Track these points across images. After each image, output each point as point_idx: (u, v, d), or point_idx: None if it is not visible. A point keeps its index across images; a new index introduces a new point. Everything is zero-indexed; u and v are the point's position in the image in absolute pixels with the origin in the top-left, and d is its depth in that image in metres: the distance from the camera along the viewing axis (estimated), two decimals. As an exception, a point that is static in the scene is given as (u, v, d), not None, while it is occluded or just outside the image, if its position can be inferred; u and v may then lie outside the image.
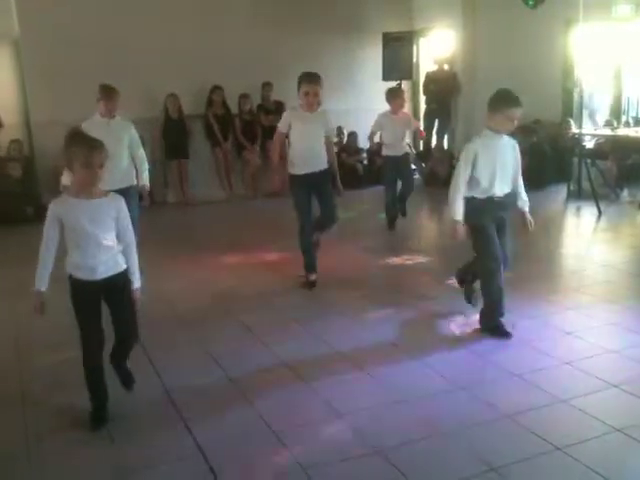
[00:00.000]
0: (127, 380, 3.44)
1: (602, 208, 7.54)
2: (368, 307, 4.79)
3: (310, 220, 5.13)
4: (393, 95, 7.14)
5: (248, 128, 9.61)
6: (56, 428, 3.23)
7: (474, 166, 4.03)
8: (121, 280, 3.18)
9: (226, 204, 9.25)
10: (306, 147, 5.01)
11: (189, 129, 9.38)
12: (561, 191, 8.57)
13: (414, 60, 10.49)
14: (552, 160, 9.15)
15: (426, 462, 2.83)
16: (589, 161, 8.20)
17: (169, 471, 2.84)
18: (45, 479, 2.84)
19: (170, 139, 9.23)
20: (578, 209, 7.98)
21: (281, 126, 5.11)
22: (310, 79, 4.97)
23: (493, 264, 4.10)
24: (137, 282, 3.25)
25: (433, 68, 10.30)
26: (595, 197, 7.66)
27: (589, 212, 7.66)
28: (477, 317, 4.30)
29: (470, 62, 9.88)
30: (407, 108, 10.93)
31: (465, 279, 4.59)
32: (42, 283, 3.08)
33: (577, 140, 8.43)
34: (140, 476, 2.82)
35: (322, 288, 5.24)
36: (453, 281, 4.75)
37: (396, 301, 4.89)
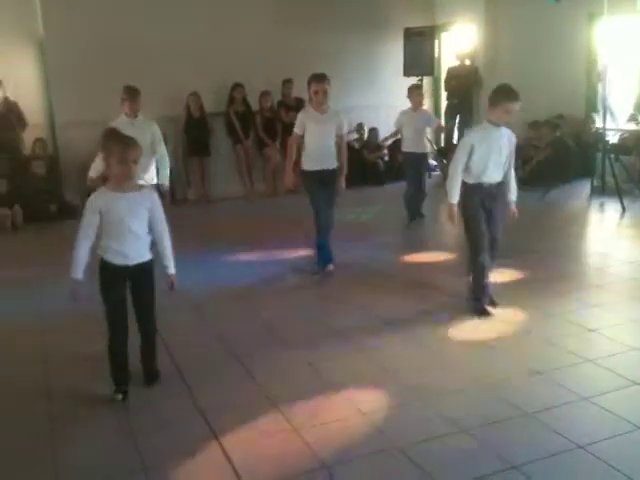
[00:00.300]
0: (151, 379, 3.62)
1: (626, 204, 7.44)
2: (386, 302, 4.79)
3: (325, 209, 5.37)
4: (412, 92, 7.33)
5: (269, 125, 9.62)
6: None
7: (470, 155, 4.31)
8: (148, 267, 3.44)
9: (246, 201, 9.28)
10: (318, 146, 5.31)
11: (211, 127, 9.43)
12: (585, 187, 8.48)
13: (435, 55, 10.41)
14: (576, 155, 9.05)
15: (447, 459, 2.83)
16: (613, 156, 8.09)
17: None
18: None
19: (192, 137, 9.28)
20: (602, 205, 7.89)
21: (297, 129, 5.39)
22: (318, 79, 5.28)
23: (480, 242, 4.40)
24: (172, 269, 3.51)
25: (455, 63, 10.22)
26: (619, 193, 7.57)
27: (613, 208, 7.56)
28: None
29: (492, 57, 9.80)
30: (428, 104, 10.96)
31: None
32: (79, 271, 3.30)
33: (600, 135, 8.33)
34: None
35: (341, 284, 5.27)
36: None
37: (416, 297, 4.89)
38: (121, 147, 3.26)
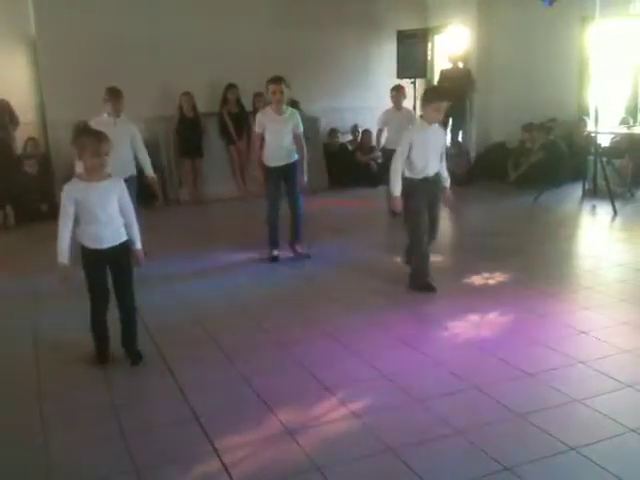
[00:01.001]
0: (135, 359, 3.89)
1: (617, 207, 7.49)
2: (380, 304, 4.80)
3: (277, 203, 5.97)
4: (393, 91, 7.75)
5: (262, 126, 9.61)
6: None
7: (410, 151, 4.78)
8: (124, 248, 3.79)
9: (239, 202, 9.26)
10: (277, 144, 5.82)
11: (204, 128, 9.40)
12: (576, 190, 8.52)
13: (428, 58, 10.43)
14: (568, 158, 9.09)
15: (440, 461, 2.83)
16: (604, 160, 8.14)
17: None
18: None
19: (184, 138, 9.25)
20: (593, 208, 7.92)
21: (257, 128, 5.87)
22: (275, 81, 5.71)
23: (420, 234, 4.91)
24: (138, 243, 3.86)
25: (448, 66, 10.25)
26: (611, 196, 7.61)
27: (604, 211, 7.60)
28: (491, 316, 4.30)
29: (485, 60, 9.84)
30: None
31: (409, 258, 5.16)
32: (64, 257, 3.62)
33: (592, 138, 8.37)
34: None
35: (331, 282, 5.28)
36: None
37: (402, 297, 4.91)
38: (94, 141, 3.59)
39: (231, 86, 9.38)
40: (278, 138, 5.81)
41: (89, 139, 3.62)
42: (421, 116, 4.99)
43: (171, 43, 9.03)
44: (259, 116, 5.92)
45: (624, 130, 8.70)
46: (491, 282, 5.22)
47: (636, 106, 9.78)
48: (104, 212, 3.66)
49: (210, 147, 9.50)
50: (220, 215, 8.65)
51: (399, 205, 4.89)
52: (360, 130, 10.43)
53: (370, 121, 10.16)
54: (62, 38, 8.66)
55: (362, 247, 6.48)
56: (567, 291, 4.97)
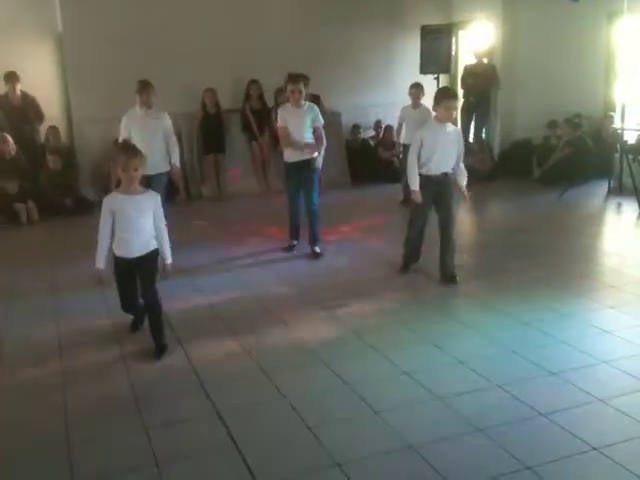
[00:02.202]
0: (160, 351, 3.99)
1: (644, 205, 7.38)
2: (396, 302, 4.78)
3: (296, 196, 6.10)
4: (411, 88, 7.87)
5: (284, 122, 9.61)
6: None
7: (421, 148, 4.95)
8: (152, 256, 3.99)
9: (261, 198, 9.27)
10: (297, 137, 5.88)
11: (226, 124, 9.42)
12: (602, 187, 8.41)
13: (452, 53, 10.33)
14: (594, 155, 8.97)
15: (461, 459, 2.81)
16: (631, 157, 8.02)
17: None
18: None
19: (207, 134, 9.28)
20: (619, 205, 7.82)
21: (280, 122, 5.96)
22: (294, 80, 5.82)
23: (414, 228, 5.27)
24: (169, 258, 4.05)
25: (472, 61, 10.16)
26: (636, 193, 7.49)
27: (630, 209, 7.49)
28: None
29: (510, 55, 9.74)
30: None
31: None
32: (101, 262, 3.94)
33: (619, 135, 8.25)
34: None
35: (351, 279, 5.27)
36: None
37: (426, 293, 4.88)
38: (124, 157, 3.85)
39: (253, 82, 9.39)
40: (298, 132, 5.90)
41: (120, 155, 3.91)
42: (435, 117, 5.08)
43: (195, 40, 9.05)
44: (280, 111, 6.03)
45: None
46: (515, 280, 5.16)
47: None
48: (137, 223, 3.89)
49: (232, 144, 9.52)
50: (243, 209, 8.66)
51: (418, 197, 5.06)
52: (383, 126, 10.38)
53: (392, 117, 10.08)
54: (88, 34, 8.73)
55: (381, 243, 6.47)
56: (592, 289, 4.91)
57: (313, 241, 6.12)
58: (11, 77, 8.43)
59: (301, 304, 4.84)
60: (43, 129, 8.81)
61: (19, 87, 8.51)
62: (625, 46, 8.98)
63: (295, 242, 6.25)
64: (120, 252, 3.96)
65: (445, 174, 5.05)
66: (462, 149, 5.14)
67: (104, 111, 8.42)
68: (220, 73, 9.24)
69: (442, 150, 4.97)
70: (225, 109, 9.40)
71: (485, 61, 9.99)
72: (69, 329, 4.48)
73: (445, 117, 4.95)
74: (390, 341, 4.07)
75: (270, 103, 9.54)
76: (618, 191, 8.18)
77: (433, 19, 10.24)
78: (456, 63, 10.67)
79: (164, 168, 6.02)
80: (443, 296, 4.92)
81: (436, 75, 9.99)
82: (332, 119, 9.67)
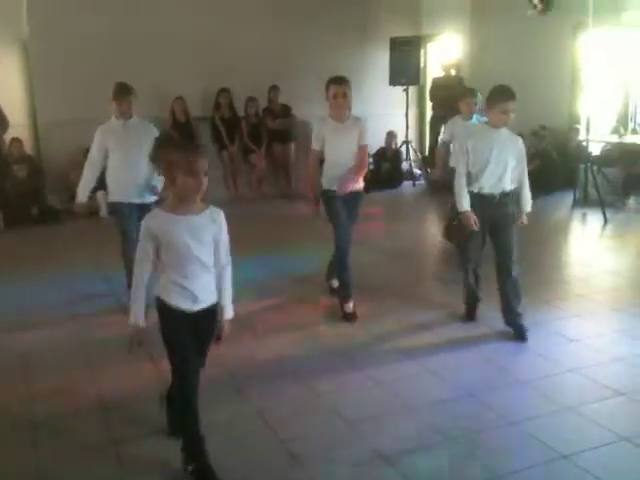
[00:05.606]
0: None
1: (608, 215, 7.51)
2: (383, 314, 4.79)
3: (348, 229, 4.60)
4: (465, 97, 6.52)
5: (254, 131, 9.60)
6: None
7: (468, 160, 4.08)
8: (215, 312, 2.78)
9: (230, 206, 9.17)
10: (340, 161, 4.55)
11: (196, 133, 9.36)
12: (567, 198, 8.54)
13: (421, 65, 10.46)
14: (559, 167, 9.11)
15: (431, 469, 2.81)
16: (595, 168, 8.17)
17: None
18: None
19: (177, 142, 9.21)
20: (584, 216, 7.94)
21: (315, 144, 4.61)
22: (337, 81, 4.50)
23: (466, 259, 4.38)
24: (230, 311, 2.81)
25: (440, 74, 10.29)
26: (601, 204, 7.63)
27: (595, 219, 7.62)
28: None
29: (477, 68, 9.86)
30: (413, 113, 11.02)
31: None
32: (140, 315, 2.66)
33: (584, 147, 8.40)
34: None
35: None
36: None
37: (410, 306, 4.90)
38: (187, 154, 2.60)
39: (223, 90, 9.37)
40: (342, 156, 4.54)
41: (179, 152, 2.61)
42: (486, 122, 4.22)
43: (165, 46, 8.98)
44: (317, 128, 4.63)
45: (615, 139, 8.72)
46: (482, 289, 5.21)
47: (627, 115, 9.82)
48: (197, 255, 2.65)
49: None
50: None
51: (471, 219, 4.07)
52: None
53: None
54: (54, 40, 8.60)
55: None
56: (558, 298, 4.97)
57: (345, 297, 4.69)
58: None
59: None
60: (8, 136, 8.64)
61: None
62: (590, 59, 9.16)
63: (351, 304, 4.66)
64: (176, 302, 2.67)
65: (503, 194, 4.13)
66: (524, 161, 4.18)
67: (70, 116, 8.33)
68: (190, 80, 9.18)
69: (497, 162, 4.05)
70: (195, 117, 9.36)
71: (453, 73, 10.12)
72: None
73: (500, 122, 4.05)
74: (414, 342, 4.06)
75: (240, 112, 9.53)
76: (583, 202, 8.32)
77: (402, 31, 10.34)
78: (425, 75, 10.80)
79: (152, 197, 4.80)
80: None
81: (405, 87, 10.10)
82: (303, 129, 9.70)
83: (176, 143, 2.82)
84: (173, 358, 2.71)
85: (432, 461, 2.87)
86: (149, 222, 2.64)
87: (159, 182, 4.54)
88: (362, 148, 4.61)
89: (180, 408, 2.76)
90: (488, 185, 4.09)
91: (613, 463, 2.81)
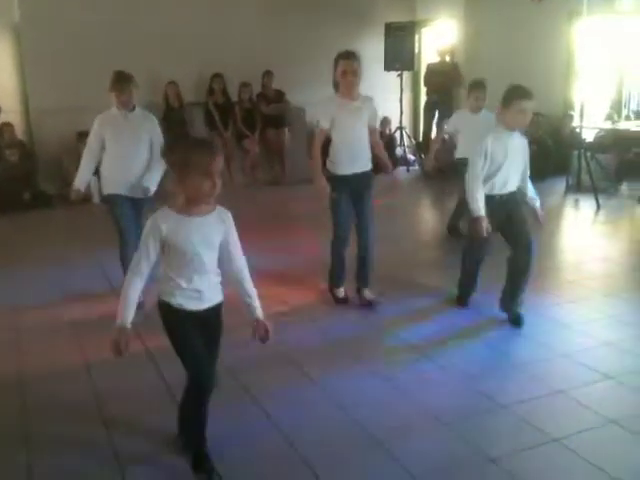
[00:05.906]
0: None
1: (601, 202, 7.54)
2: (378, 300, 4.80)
3: (347, 229, 4.44)
4: (470, 89, 6.21)
5: (248, 117, 9.57)
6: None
7: (485, 162, 3.99)
8: (220, 312, 2.74)
9: (224, 192, 9.16)
10: (350, 142, 4.33)
11: (189, 118, 9.33)
12: (560, 184, 8.56)
13: (416, 51, 10.43)
14: (553, 152, 9.13)
15: (424, 452, 2.84)
16: (589, 154, 8.19)
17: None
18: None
19: (170, 128, 9.16)
20: (577, 202, 7.97)
21: (323, 121, 4.32)
22: (347, 56, 4.24)
23: (471, 267, 4.49)
24: (261, 311, 2.73)
25: (435, 59, 10.26)
26: (594, 190, 7.66)
27: (588, 205, 7.65)
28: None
29: (472, 54, 9.85)
30: (407, 99, 10.99)
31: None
32: (128, 317, 2.51)
33: (577, 133, 8.42)
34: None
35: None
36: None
37: (406, 291, 4.92)
38: (204, 154, 2.48)
39: (216, 76, 9.33)
40: (352, 133, 4.30)
41: (196, 152, 2.49)
42: (497, 121, 4.11)
43: (158, 31, 8.93)
44: (322, 106, 4.39)
45: (609, 125, 8.75)
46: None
47: (621, 101, 9.83)
48: (204, 259, 2.58)
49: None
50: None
51: (484, 227, 3.97)
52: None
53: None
54: (46, 25, 8.55)
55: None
56: (552, 284, 5.00)
57: (364, 286, 4.60)
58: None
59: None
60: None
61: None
62: (584, 46, 9.16)
63: (343, 291, 4.66)
64: (182, 303, 2.60)
65: (512, 193, 4.14)
66: (528, 161, 4.19)
67: (63, 102, 8.29)
68: (183, 65, 9.13)
69: (510, 164, 4.03)
70: (188, 102, 9.32)
71: (448, 59, 10.10)
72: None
73: (515, 122, 3.96)
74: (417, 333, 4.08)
75: (234, 97, 9.49)
76: (576, 188, 8.34)
77: (397, 16, 10.31)
78: (419, 61, 10.77)
79: (151, 190, 4.55)
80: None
81: (400, 72, 10.08)
82: (297, 115, 9.68)
83: (192, 142, 2.71)
84: (184, 357, 2.62)
85: (424, 444, 2.89)
86: (158, 221, 2.53)
87: (152, 184, 4.50)
88: (376, 131, 4.50)
89: (191, 407, 2.70)
90: (497, 187, 4.08)
91: (601, 445, 2.84)
